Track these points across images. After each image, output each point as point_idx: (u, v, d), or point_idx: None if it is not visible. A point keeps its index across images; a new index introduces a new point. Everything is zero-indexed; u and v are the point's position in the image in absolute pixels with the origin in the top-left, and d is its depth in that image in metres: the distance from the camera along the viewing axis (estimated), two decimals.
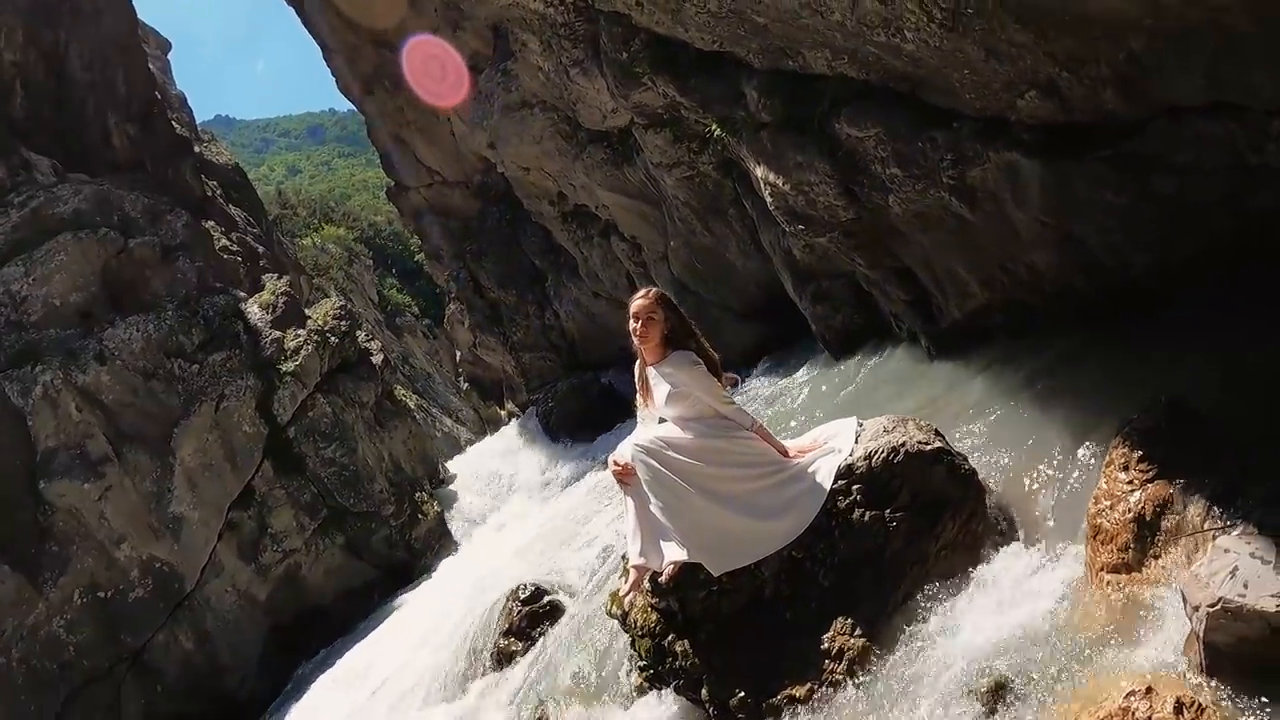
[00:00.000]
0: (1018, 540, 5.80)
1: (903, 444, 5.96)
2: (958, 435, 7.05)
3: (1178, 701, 3.88)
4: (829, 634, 5.58)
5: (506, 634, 9.78)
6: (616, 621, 6.78)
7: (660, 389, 5.79)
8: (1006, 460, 6.60)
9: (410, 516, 19.27)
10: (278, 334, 19.08)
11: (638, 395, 6.10)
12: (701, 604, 5.91)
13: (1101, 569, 5.02)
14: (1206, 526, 4.63)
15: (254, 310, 19.54)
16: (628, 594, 6.17)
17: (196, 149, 28.15)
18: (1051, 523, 5.86)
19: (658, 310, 5.78)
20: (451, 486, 22.52)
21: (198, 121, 35.48)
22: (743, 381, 13.67)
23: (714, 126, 11.24)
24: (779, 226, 11.11)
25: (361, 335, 23.27)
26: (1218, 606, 3.95)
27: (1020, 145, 7.22)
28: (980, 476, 6.11)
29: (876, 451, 5.95)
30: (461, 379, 34.39)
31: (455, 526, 20.23)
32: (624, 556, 6.46)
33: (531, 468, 21.86)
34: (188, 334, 17.96)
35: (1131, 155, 6.54)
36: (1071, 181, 7.04)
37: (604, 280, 20.29)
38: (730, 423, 5.80)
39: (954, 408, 8.07)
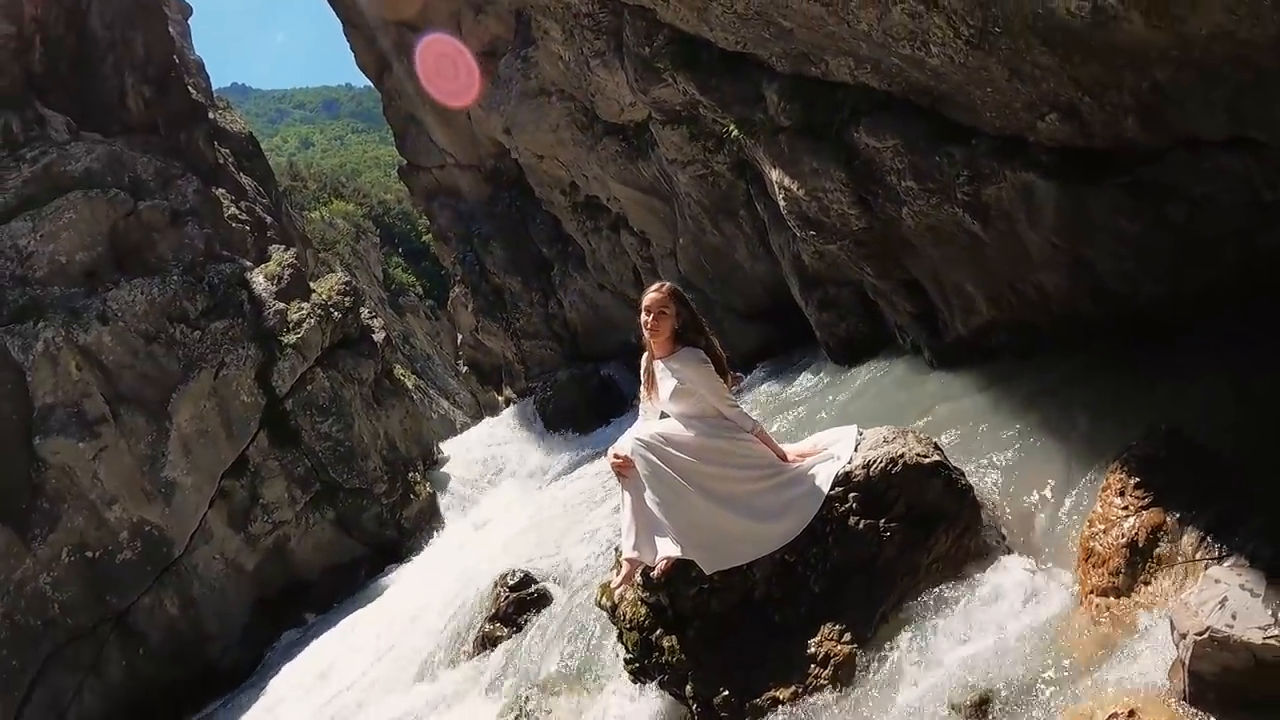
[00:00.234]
0: (1010, 557, 5.82)
1: (902, 455, 5.97)
2: (956, 450, 7.06)
3: None
4: (816, 638, 5.61)
5: (493, 619, 9.80)
6: (605, 613, 6.80)
7: (666, 383, 5.80)
8: (1003, 478, 6.63)
9: (402, 496, 19.31)
10: (281, 305, 19.12)
11: (642, 387, 6.11)
12: (692, 601, 5.93)
13: (1091, 591, 5.06)
14: (1198, 556, 4.66)
15: (259, 280, 19.56)
16: (619, 586, 6.18)
17: (211, 115, 28.11)
18: (1044, 542, 5.89)
19: (670, 305, 5.78)
20: (445, 468, 22.53)
21: (214, 88, 35.42)
22: (742, 380, 13.69)
23: (732, 127, 11.26)
24: (790, 231, 11.13)
25: (365, 312, 23.29)
26: (1205, 635, 3.98)
27: (1037, 166, 7.24)
28: (976, 492, 6.13)
29: (875, 461, 5.96)
30: (461, 362, 34.39)
31: (447, 508, 20.24)
32: (617, 549, 6.48)
33: (526, 455, 21.87)
34: (192, 300, 18.00)
35: (1148, 184, 6.57)
36: (1086, 205, 7.06)
37: (610, 273, 20.31)
38: (731, 424, 5.80)
39: (954, 422, 8.08)
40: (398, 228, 71.21)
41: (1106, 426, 6.44)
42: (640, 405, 6.23)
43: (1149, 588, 4.85)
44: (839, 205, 9.52)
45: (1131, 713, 4.05)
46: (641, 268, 18.27)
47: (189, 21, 37.37)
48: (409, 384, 29.79)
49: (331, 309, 19.84)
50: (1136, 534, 4.96)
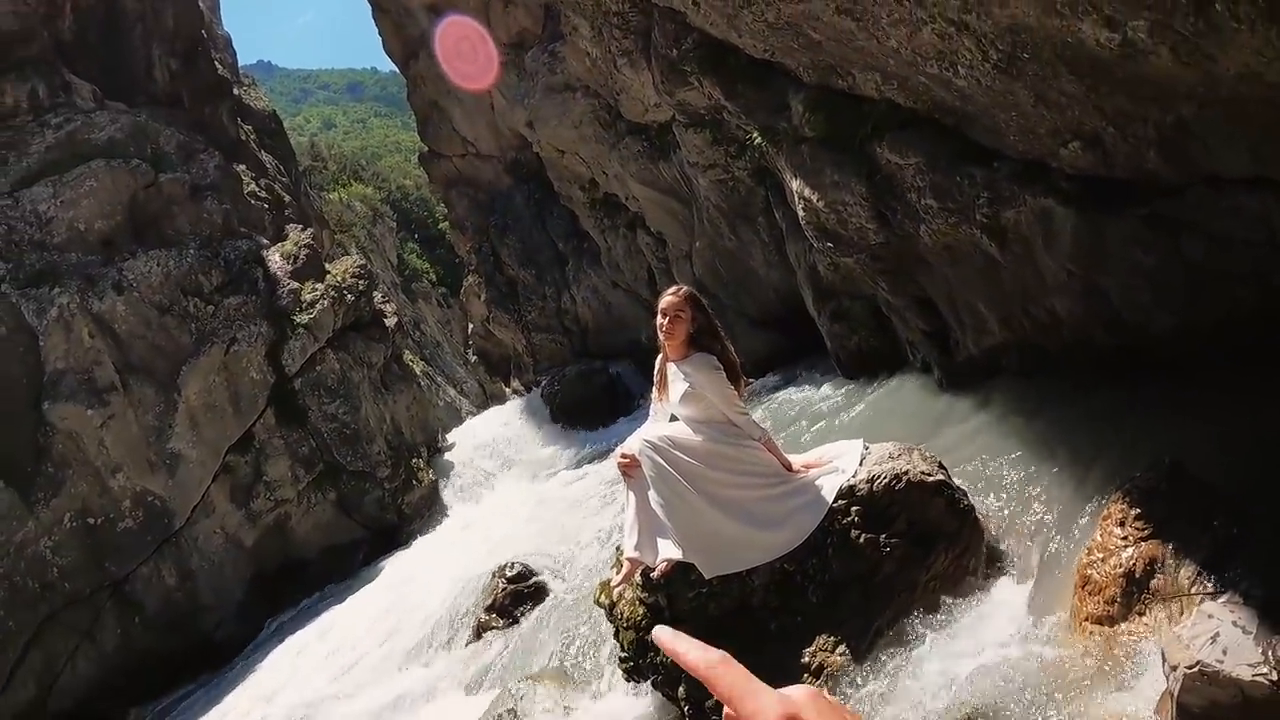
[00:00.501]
0: (1007, 579, 5.87)
1: (906, 472, 6.02)
2: (960, 470, 7.11)
3: None
4: (811, 648, 5.67)
5: (489, 609, 9.87)
6: (602, 611, 6.86)
7: (677, 386, 5.83)
8: (1005, 500, 6.67)
9: (405, 481, 19.36)
10: (295, 285, 19.18)
11: (654, 389, 6.15)
12: (690, 603, 5.99)
13: (1086, 618, 5.10)
14: (1194, 590, 4.70)
15: (275, 259, 19.64)
16: (618, 585, 6.23)
17: (236, 92, 28.22)
18: (1042, 567, 5.92)
19: (686, 309, 5.80)
20: (449, 456, 22.59)
21: (240, 64, 35.49)
22: (754, 384, 13.74)
23: (755, 134, 11.28)
24: (807, 241, 11.16)
25: (378, 296, 23.35)
26: (1195, 669, 4.03)
27: (1057, 192, 7.27)
28: (978, 513, 6.17)
29: (880, 476, 6.01)
30: (470, 351, 34.47)
31: (448, 496, 20.30)
32: (618, 548, 6.53)
33: (531, 447, 21.93)
34: (207, 274, 18.07)
35: (1166, 217, 6.60)
36: (1104, 234, 7.09)
37: (625, 271, 20.36)
38: (739, 430, 5.83)
39: (960, 442, 8.12)
40: (415, 214, 71.21)
41: (1111, 455, 6.47)
42: (651, 406, 6.27)
43: (1143, 618, 4.89)
44: (857, 219, 9.55)
45: None
46: (656, 268, 18.32)
47: None
48: (417, 370, 29.86)
49: (345, 291, 19.91)
50: (1134, 564, 5.00)
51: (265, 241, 20.43)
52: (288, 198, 26.78)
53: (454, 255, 42.49)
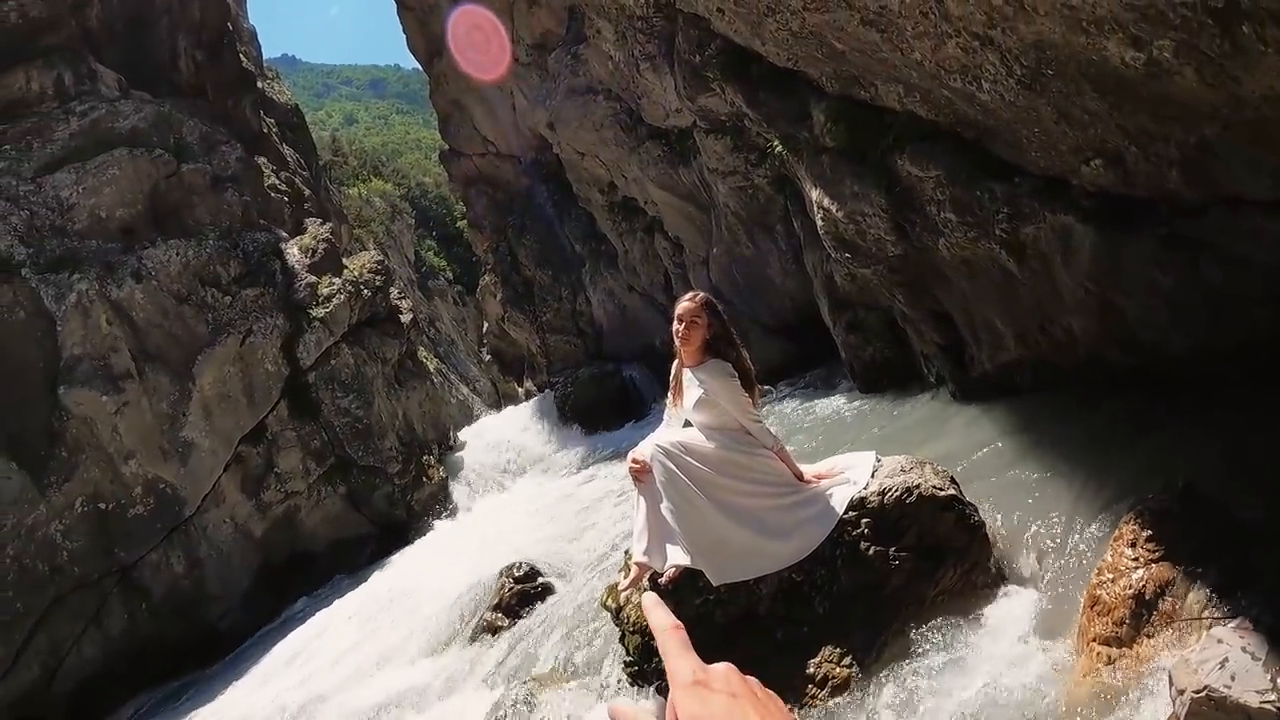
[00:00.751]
0: (1015, 597, 5.84)
1: (917, 486, 6.00)
2: (971, 485, 7.08)
3: None
4: (816, 659, 5.65)
5: (495, 609, 9.87)
6: (609, 614, 6.85)
7: (691, 392, 5.82)
8: (1016, 517, 6.64)
9: (415, 478, 19.38)
10: (313, 279, 19.24)
11: (669, 394, 6.14)
12: (696, 610, 5.97)
13: (1094, 639, 5.07)
14: (1204, 614, 4.67)
15: (293, 252, 19.70)
16: (626, 589, 6.23)
17: (259, 85, 28.33)
18: (1051, 585, 5.89)
19: (702, 315, 5.79)
20: (460, 454, 22.62)
21: (264, 58, 35.66)
22: (770, 392, 13.74)
23: (776, 142, 11.29)
24: (824, 250, 11.16)
25: (394, 292, 23.39)
26: (1202, 694, 4.00)
27: (1077, 210, 7.24)
28: (988, 529, 6.15)
29: (891, 489, 6.00)
30: (484, 350, 34.54)
31: (458, 495, 20.32)
32: (627, 551, 6.53)
33: (543, 448, 21.94)
34: (225, 265, 18.14)
35: (1186, 238, 6.56)
36: (1122, 254, 7.06)
37: (641, 275, 20.37)
38: (752, 439, 5.82)
39: (972, 457, 8.08)
40: (433, 211, 71.41)
41: (1123, 475, 6.44)
42: (665, 411, 6.27)
43: (1151, 641, 4.86)
44: (876, 230, 9.54)
45: None
46: (673, 273, 18.33)
47: None
48: (431, 367, 29.91)
49: (362, 286, 19.96)
50: (1144, 586, 4.97)
51: (284, 234, 20.48)
52: (307, 191, 26.89)
53: (471, 254, 42.59)
